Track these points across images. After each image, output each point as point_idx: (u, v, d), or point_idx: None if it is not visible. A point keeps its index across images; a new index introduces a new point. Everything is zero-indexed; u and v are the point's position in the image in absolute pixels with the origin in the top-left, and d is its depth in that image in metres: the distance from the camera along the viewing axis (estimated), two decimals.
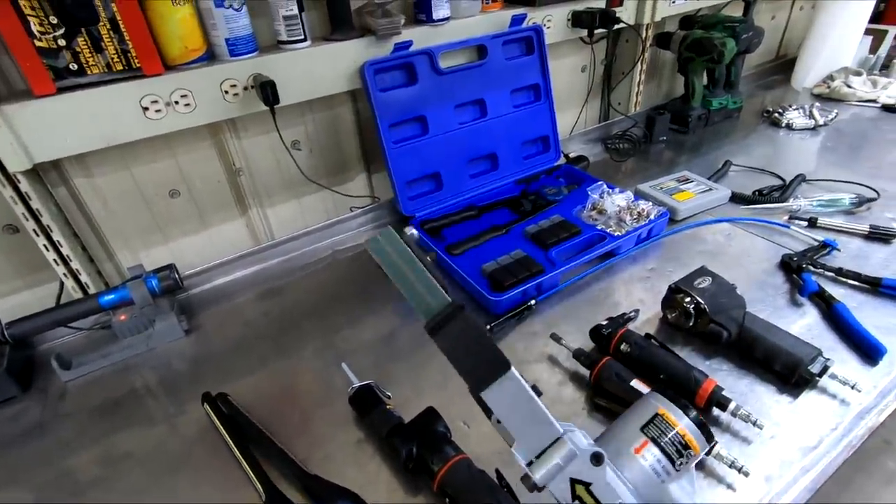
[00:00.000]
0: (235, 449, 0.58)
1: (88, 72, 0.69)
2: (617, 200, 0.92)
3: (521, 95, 1.06)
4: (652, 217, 0.90)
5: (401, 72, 0.92)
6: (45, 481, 0.60)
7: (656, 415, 0.36)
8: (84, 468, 0.61)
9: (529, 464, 0.35)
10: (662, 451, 0.34)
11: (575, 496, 0.34)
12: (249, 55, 0.80)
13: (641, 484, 0.34)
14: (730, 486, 0.53)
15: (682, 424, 0.35)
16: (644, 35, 1.26)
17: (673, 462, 0.34)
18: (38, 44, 0.64)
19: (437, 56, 0.92)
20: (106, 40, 0.68)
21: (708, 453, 0.53)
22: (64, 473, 0.61)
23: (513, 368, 0.33)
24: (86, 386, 0.72)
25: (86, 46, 0.67)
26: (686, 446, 0.34)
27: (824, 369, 0.60)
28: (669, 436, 0.35)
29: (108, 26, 0.68)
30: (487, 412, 0.36)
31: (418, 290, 0.34)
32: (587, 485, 0.33)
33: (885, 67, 1.55)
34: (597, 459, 0.33)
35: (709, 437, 0.35)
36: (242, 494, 0.55)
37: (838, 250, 0.84)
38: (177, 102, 0.75)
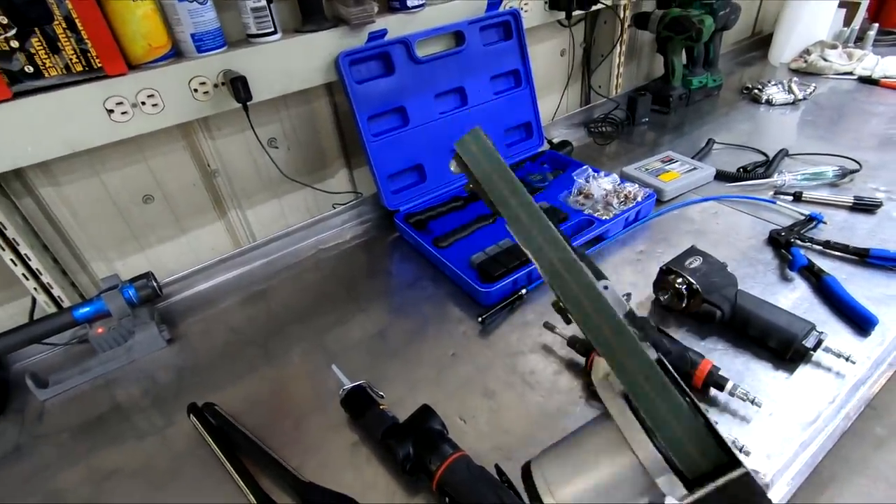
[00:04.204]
0: (225, 460, 0.56)
1: (46, 74, 0.65)
2: (603, 184, 0.91)
3: (501, 82, 1.04)
4: (639, 199, 0.89)
5: (377, 62, 0.89)
6: None
7: None
8: (70, 489, 0.59)
9: None
10: None
11: None
12: (218, 51, 0.77)
13: None
14: None
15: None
16: (622, 15, 1.24)
17: None
18: None
19: (413, 44, 0.89)
20: (63, 40, 0.64)
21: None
22: (48, 496, 0.58)
23: None
24: (65, 404, 0.69)
25: (41, 47, 0.64)
26: None
27: (818, 343, 0.60)
28: None
29: (64, 25, 0.64)
30: None
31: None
32: None
33: (859, 40, 1.56)
34: None
35: None
36: None
37: (824, 223, 0.84)
38: (143, 103, 0.72)
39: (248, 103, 0.77)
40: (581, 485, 0.33)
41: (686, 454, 0.28)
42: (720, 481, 0.26)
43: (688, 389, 0.31)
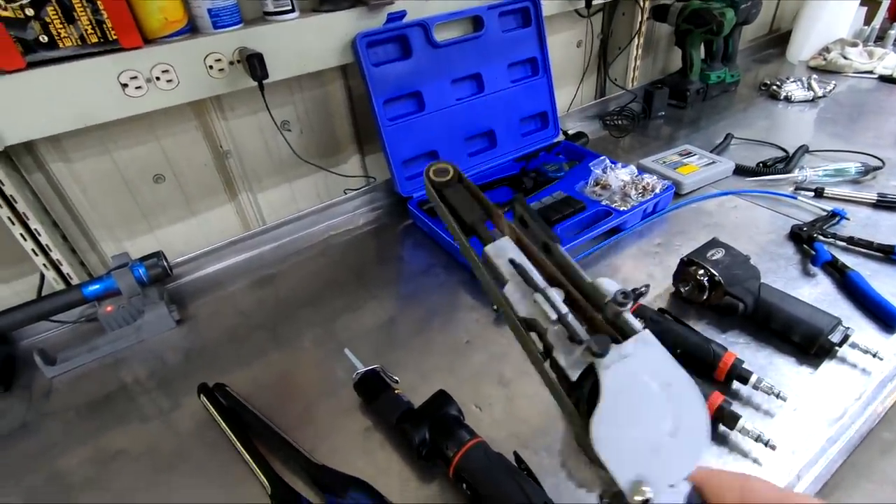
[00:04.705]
0: (237, 441, 0.55)
1: (60, 45, 0.64)
2: (621, 175, 0.90)
3: (518, 70, 1.02)
4: (657, 191, 0.88)
5: (394, 45, 0.88)
6: (34, 485, 0.56)
7: None
8: (75, 468, 0.57)
9: None
10: None
11: None
12: (234, 27, 0.75)
13: None
14: (756, 461, 0.51)
15: None
16: (642, 6, 1.22)
17: None
18: (3, 13, 0.59)
19: (431, 27, 0.87)
20: (78, 10, 0.63)
21: (732, 428, 0.51)
22: (53, 475, 0.57)
23: None
24: (73, 382, 0.68)
25: (56, 17, 0.62)
26: None
27: (845, 338, 0.59)
28: None
29: None
30: None
31: None
32: None
33: (879, 38, 1.54)
34: None
35: None
36: (246, 489, 0.53)
37: (847, 219, 0.82)
38: (158, 78, 0.71)
39: (263, 83, 0.75)
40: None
41: None
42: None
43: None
